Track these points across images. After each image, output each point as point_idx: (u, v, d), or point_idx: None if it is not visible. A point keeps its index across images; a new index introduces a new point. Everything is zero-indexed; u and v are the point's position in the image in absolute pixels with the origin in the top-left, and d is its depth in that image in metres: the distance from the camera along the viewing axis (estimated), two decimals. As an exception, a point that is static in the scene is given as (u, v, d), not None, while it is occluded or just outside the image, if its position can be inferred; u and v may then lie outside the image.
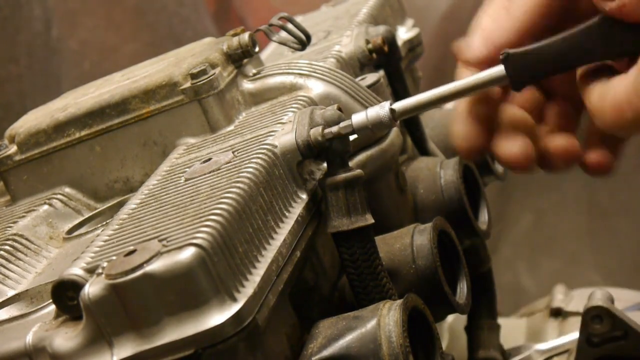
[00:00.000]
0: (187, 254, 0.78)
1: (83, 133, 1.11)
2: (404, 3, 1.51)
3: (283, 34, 1.17)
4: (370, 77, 1.16)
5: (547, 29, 0.88)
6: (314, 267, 0.97)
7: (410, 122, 1.23)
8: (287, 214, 0.91)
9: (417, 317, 0.89)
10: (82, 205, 1.12)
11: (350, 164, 0.95)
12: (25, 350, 0.86)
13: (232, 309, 0.78)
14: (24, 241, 1.05)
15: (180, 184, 0.94)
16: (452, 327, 1.34)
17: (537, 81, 0.87)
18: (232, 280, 0.79)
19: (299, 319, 0.91)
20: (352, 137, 0.94)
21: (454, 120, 0.91)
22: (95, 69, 2.26)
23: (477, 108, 0.90)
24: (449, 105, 1.22)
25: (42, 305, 0.92)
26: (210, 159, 0.96)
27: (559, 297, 1.47)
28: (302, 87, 1.10)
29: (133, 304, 0.78)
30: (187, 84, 1.08)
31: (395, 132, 1.10)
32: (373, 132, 0.92)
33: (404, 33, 1.41)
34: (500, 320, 1.30)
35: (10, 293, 0.98)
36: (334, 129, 0.92)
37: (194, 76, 1.08)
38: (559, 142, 0.90)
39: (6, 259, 1.02)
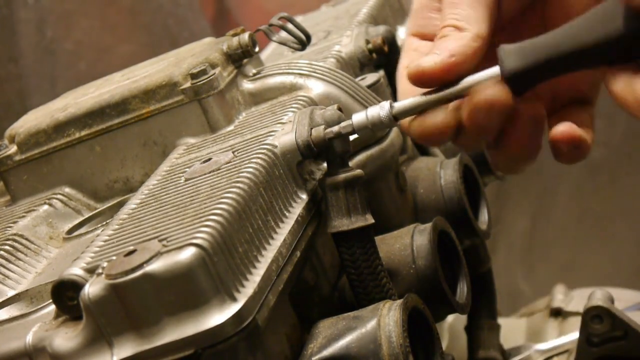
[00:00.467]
0: (187, 254, 0.78)
1: (83, 133, 1.11)
2: (404, 3, 1.51)
3: (283, 34, 1.17)
4: (370, 77, 1.16)
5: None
6: (314, 267, 0.97)
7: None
8: (287, 214, 0.91)
9: (417, 317, 0.89)
10: (82, 205, 1.12)
11: (350, 164, 0.95)
12: (25, 350, 0.86)
13: (232, 309, 0.78)
14: (24, 241, 1.05)
15: (180, 184, 0.94)
16: (452, 327, 1.34)
17: (537, 83, 0.87)
18: (232, 280, 0.79)
19: (299, 319, 0.91)
20: (352, 137, 0.94)
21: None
22: (91, 69, 2.27)
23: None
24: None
25: (42, 305, 0.92)
26: (210, 159, 0.96)
27: (559, 297, 1.47)
28: (302, 87, 1.10)
29: (133, 304, 0.78)
30: (187, 84, 1.08)
31: (395, 132, 1.10)
32: (373, 132, 0.92)
33: (404, 33, 1.41)
34: (500, 320, 1.30)
35: (10, 293, 0.98)
36: (335, 128, 0.92)
37: (194, 76, 1.08)
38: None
39: (6, 259, 1.02)
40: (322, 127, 0.93)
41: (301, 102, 1.06)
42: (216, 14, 2.55)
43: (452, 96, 0.87)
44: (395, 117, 0.90)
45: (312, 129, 0.94)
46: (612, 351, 1.13)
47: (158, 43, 2.37)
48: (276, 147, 0.94)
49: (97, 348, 0.80)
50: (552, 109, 0.93)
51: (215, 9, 2.56)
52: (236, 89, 1.11)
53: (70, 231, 1.08)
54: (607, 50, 0.82)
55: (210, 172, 0.93)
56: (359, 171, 0.93)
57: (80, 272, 0.83)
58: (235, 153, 0.96)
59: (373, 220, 0.92)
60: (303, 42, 1.16)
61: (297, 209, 0.92)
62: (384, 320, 0.85)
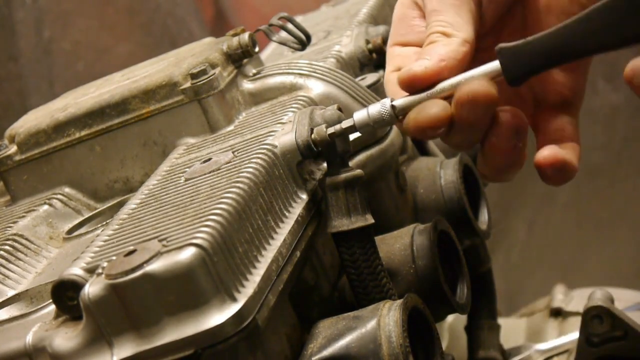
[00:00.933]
0: (187, 254, 0.78)
1: (83, 133, 1.11)
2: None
3: (283, 34, 1.17)
4: (370, 77, 1.16)
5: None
6: (314, 267, 0.97)
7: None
8: (287, 214, 0.91)
9: (417, 317, 0.88)
10: (82, 205, 1.12)
11: (350, 164, 0.95)
12: (25, 350, 0.85)
13: (232, 309, 0.78)
14: (24, 241, 1.05)
15: (180, 184, 0.94)
16: (452, 327, 1.34)
17: (533, 75, 0.87)
18: (232, 280, 0.79)
19: (299, 319, 0.91)
20: (352, 137, 0.94)
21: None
22: (90, 69, 2.27)
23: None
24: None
25: (42, 305, 0.92)
26: (210, 159, 0.96)
27: (559, 297, 1.47)
28: (302, 87, 1.10)
29: (133, 304, 0.78)
30: (187, 84, 1.08)
31: (395, 132, 1.10)
32: (375, 129, 0.92)
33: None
34: (500, 320, 1.30)
35: (10, 293, 0.98)
36: (337, 127, 0.92)
37: (194, 76, 1.08)
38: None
39: (6, 259, 1.02)
40: (324, 125, 0.93)
41: (301, 102, 1.06)
42: (215, 15, 2.56)
43: (451, 90, 0.87)
44: (396, 114, 0.90)
45: (314, 128, 0.94)
46: (612, 351, 1.13)
47: (157, 43, 2.37)
48: (276, 147, 0.94)
49: (97, 348, 0.80)
50: (535, 114, 0.95)
51: (214, 10, 2.56)
52: (236, 89, 1.11)
53: (70, 231, 1.08)
54: (608, 21, 0.82)
55: (210, 172, 0.93)
56: (359, 171, 0.93)
57: (80, 272, 0.83)
58: (235, 153, 0.96)
59: (373, 220, 0.92)
60: (303, 42, 1.16)
61: (297, 209, 0.92)
62: (384, 320, 0.85)
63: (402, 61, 0.92)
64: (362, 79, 1.16)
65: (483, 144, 0.90)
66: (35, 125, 1.13)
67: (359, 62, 1.23)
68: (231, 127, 1.07)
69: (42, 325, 0.87)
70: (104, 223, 1.04)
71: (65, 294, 0.83)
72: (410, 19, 0.95)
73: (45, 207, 1.10)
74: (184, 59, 1.13)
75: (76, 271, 0.83)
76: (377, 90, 1.13)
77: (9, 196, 1.17)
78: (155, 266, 0.77)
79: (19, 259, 1.03)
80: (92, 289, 0.79)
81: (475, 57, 0.90)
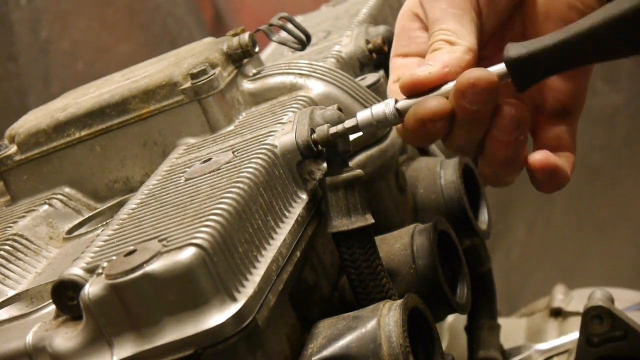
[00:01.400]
0: (187, 254, 0.78)
1: (83, 133, 1.11)
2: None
3: (283, 34, 1.17)
4: (370, 77, 1.16)
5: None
6: (314, 267, 0.97)
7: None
8: (287, 214, 0.91)
9: (417, 317, 0.88)
10: (82, 205, 1.12)
11: (350, 164, 0.95)
12: (25, 350, 0.86)
13: (232, 309, 0.78)
14: (24, 241, 1.05)
15: (180, 184, 0.94)
16: (452, 327, 1.34)
17: (541, 79, 0.87)
18: (232, 280, 0.79)
19: (299, 319, 0.91)
20: (353, 137, 0.94)
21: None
22: (89, 69, 2.27)
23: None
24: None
25: (42, 305, 0.92)
26: (210, 159, 0.96)
27: (559, 297, 1.47)
28: (302, 87, 1.10)
29: (133, 304, 0.78)
30: (187, 84, 1.08)
31: (395, 132, 1.10)
32: (377, 130, 0.92)
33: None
34: (500, 320, 1.30)
35: (10, 293, 0.98)
36: (339, 126, 0.92)
37: (194, 76, 1.08)
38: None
39: (6, 259, 1.02)
40: (327, 125, 0.93)
41: (301, 102, 1.06)
42: (215, 15, 2.56)
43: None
44: (400, 114, 0.90)
45: (316, 128, 0.94)
46: (612, 351, 1.13)
47: (157, 43, 2.37)
48: (276, 147, 0.94)
49: (97, 348, 0.80)
50: (534, 120, 0.95)
51: (214, 10, 2.56)
52: (236, 89, 1.11)
53: (70, 231, 1.08)
54: (614, 30, 0.82)
55: (210, 172, 0.93)
56: (359, 171, 0.93)
57: (80, 272, 0.83)
58: (235, 153, 0.96)
59: (373, 220, 0.92)
60: (303, 42, 1.16)
61: (297, 209, 0.92)
62: (384, 320, 0.85)
63: (404, 72, 0.92)
64: (362, 79, 1.16)
65: (484, 142, 0.89)
66: (35, 125, 1.13)
67: (359, 62, 1.23)
68: (231, 127, 1.07)
69: (42, 325, 0.87)
70: (104, 223, 1.04)
71: (65, 294, 0.83)
72: (412, 31, 0.96)
73: (45, 207, 1.10)
74: (184, 59, 1.13)
75: (76, 271, 0.83)
76: (377, 90, 1.13)
77: (9, 196, 1.17)
78: (155, 266, 0.77)
79: (19, 259, 1.03)
80: (92, 289, 0.79)
81: (476, 65, 0.90)
